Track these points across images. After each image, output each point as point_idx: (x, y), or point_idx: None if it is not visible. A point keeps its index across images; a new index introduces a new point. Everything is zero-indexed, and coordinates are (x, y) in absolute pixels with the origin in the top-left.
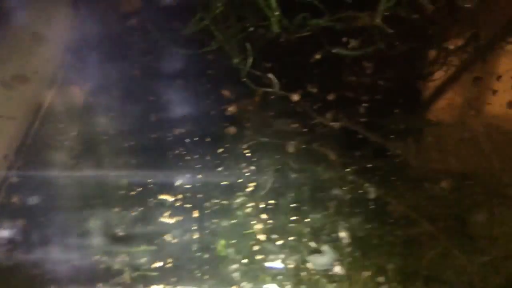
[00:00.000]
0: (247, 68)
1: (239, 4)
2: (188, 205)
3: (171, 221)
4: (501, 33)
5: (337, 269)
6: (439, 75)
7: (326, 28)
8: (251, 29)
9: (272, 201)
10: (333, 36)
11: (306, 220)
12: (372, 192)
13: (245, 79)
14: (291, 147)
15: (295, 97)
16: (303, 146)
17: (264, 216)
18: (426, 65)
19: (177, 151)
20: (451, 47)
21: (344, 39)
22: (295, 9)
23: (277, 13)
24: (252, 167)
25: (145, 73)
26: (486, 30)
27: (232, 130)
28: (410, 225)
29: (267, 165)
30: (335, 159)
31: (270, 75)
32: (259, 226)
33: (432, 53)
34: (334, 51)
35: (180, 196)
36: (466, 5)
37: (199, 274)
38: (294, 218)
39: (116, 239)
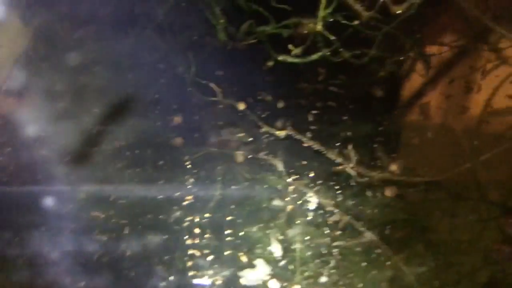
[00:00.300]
0: (191, 77)
1: (184, 12)
2: (122, 221)
3: (103, 238)
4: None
5: (272, 284)
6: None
7: (273, 36)
8: (196, 37)
9: (208, 215)
10: (281, 43)
11: (241, 233)
12: (313, 203)
13: (190, 89)
14: (239, 157)
15: (241, 106)
16: (249, 156)
17: (198, 230)
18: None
19: (119, 165)
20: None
21: (290, 46)
22: (242, 17)
23: (222, 20)
24: (192, 179)
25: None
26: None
27: (178, 141)
28: (352, 235)
29: (209, 176)
30: (281, 169)
31: (212, 85)
32: (193, 241)
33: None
34: (280, 58)
35: (112, 212)
36: (397, 12)
37: None
38: (229, 231)
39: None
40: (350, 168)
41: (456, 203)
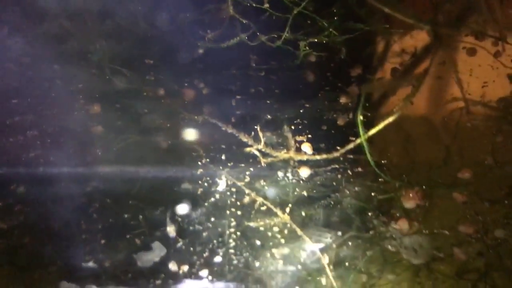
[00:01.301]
0: (108, 65)
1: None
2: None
3: None
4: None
5: (172, 265)
6: None
7: (196, 22)
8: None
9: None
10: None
11: (141, 216)
12: (221, 184)
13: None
14: (162, 143)
15: (161, 92)
16: (169, 142)
17: (95, 215)
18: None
19: (31, 154)
20: None
21: (209, 32)
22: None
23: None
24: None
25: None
26: None
27: (98, 129)
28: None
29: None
30: (201, 153)
31: (126, 71)
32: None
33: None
34: (199, 44)
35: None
36: None
37: None
38: (127, 215)
39: None
40: (256, 149)
41: (358, 178)
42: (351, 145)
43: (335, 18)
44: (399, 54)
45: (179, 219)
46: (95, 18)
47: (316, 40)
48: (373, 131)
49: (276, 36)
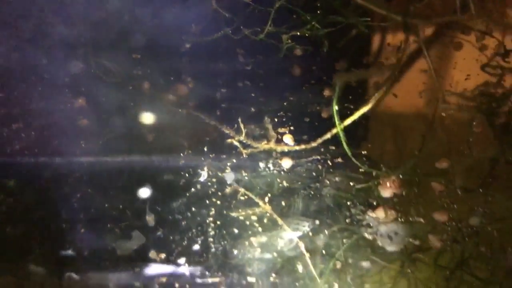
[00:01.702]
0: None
1: None
2: None
3: None
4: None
5: (152, 254)
6: None
7: (179, 15)
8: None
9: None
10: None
11: (121, 206)
12: (203, 175)
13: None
14: (148, 136)
15: (146, 85)
16: (154, 135)
17: (78, 204)
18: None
19: (16, 147)
20: None
21: (193, 26)
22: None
23: None
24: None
25: None
26: None
27: (84, 122)
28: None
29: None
30: (185, 144)
31: (113, 65)
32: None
33: None
34: (183, 38)
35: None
36: None
37: None
38: (108, 205)
39: None
40: (237, 141)
41: (339, 168)
42: (328, 135)
43: (318, 12)
44: (385, 48)
45: (159, 208)
46: (80, 12)
47: (298, 33)
48: (348, 121)
49: (259, 29)
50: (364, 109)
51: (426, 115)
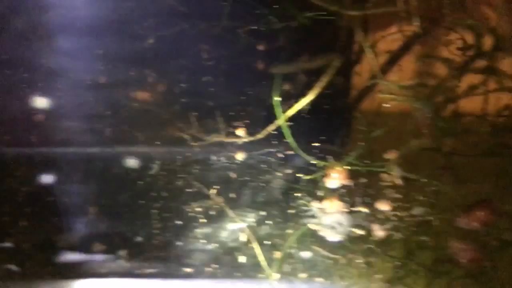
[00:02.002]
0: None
1: None
2: None
3: None
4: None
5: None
6: None
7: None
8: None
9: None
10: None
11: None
12: (154, 167)
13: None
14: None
15: (102, 80)
16: (111, 129)
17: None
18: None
19: None
20: None
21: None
22: None
23: None
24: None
25: None
26: None
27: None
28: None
29: None
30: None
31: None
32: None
33: None
34: (141, 32)
35: None
36: None
37: None
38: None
39: None
40: (188, 134)
41: (289, 161)
42: (272, 127)
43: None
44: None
45: (105, 201)
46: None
47: (256, 27)
48: (290, 112)
49: (216, 24)
50: (306, 100)
51: (372, 106)
